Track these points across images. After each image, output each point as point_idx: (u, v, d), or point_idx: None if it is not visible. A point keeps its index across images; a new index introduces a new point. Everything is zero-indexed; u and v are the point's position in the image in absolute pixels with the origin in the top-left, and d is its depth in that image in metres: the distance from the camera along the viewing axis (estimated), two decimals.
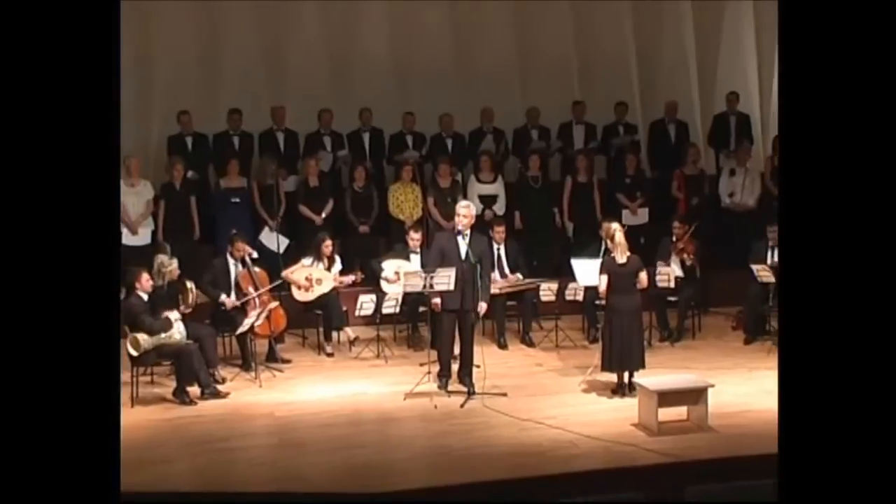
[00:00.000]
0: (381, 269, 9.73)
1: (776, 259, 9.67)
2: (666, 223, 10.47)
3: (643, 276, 8.20)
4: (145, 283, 8.18)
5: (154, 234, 10.62)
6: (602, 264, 8.22)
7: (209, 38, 12.18)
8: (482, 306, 8.26)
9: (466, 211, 8.22)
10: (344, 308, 9.71)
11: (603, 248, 9.50)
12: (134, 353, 8.03)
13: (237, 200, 10.81)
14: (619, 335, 8.00)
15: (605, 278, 8.07)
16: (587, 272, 8.70)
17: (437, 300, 8.07)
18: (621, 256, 8.05)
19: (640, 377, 7.86)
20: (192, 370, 8.11)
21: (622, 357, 8.00)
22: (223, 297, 9.01)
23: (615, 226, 8.23)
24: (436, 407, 7.92)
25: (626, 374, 8.03)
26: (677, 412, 7.31)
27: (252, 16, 12.18)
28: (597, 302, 9.52)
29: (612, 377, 8.17)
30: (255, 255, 9.45)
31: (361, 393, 8.43)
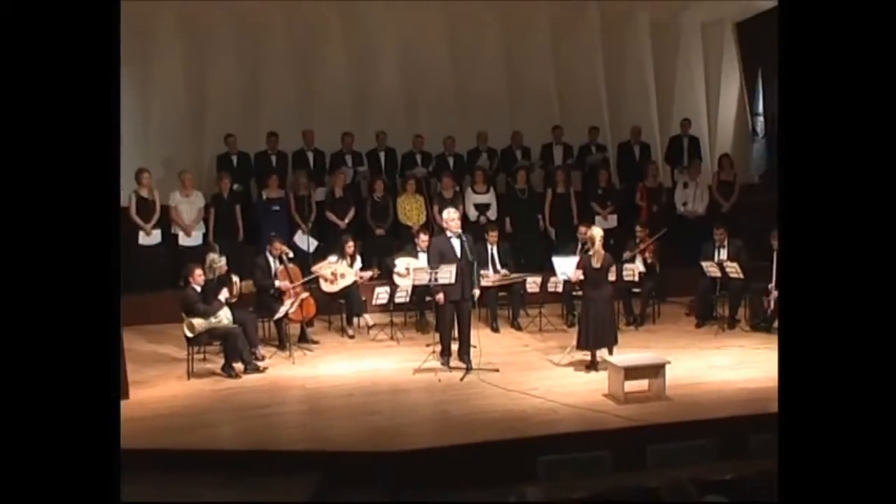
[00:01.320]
0: (394, 266, 9.73)
1: (722, 257, 9.69)
2: (631, 227, 10.51)
3: (613, 269, 8.25)
4: (198, 277, 8.18)
5: (205, 236, 10.64)
6: (580, 260, 8.25)
7: (251, 74, 12.20)
8: (476, 293, 8.26)
9: (454, 216, 8.25)
10: (363, 298, 9.73)
11: (579, 247, 9.54)
12: (189, 334, 8.07)
13: (277, 208, 10.81)
14: (594, 320, 8.01)
15: (580, 272, 8.10)
16: (565, 267, 8.70)
17: (441, 295, 8.03)
18: (597, 262, 8.06)
19: (607, 356, 7.87)
20: (237, 349, 8.13)
21: (596, 338, 8.02)
22: (277, 282, 9.07)
23: (598, 233, 8.18)
24: (439, 380, 7.93)
25: (598, 353, 8.04)
26: (640, 384, 7.32)
27: (287, 56, 12.22)
28: (573, 293, 9.55)
29: (587, 355, 8.17)
30: (291, 254, 9.47)
31: (377, 368, 8.43)
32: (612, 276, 8.23)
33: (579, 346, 8.15)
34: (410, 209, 11.04)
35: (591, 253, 8.10)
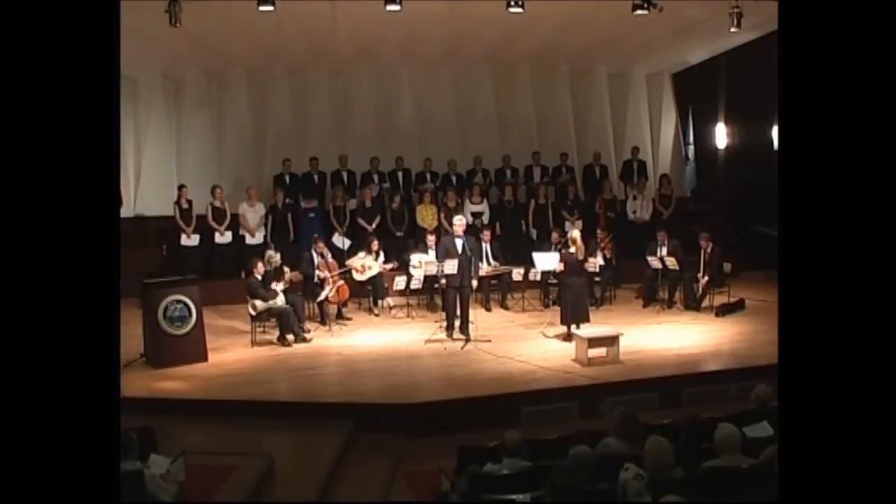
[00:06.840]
0: (409, 260, 9.69)
1: (662, 253, 9.65)
2: (593, 230, 10.47)
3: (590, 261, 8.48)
4: (259, 268, 8.18)
5: (265, 237, 10.61)
6: (562, 255, 8.24)
7: (301, 114, 12.16)
8: (474, 283, 8.23)
9: (460, 222, 8.24)
10: (386, 284, 9.68)
11: (553, 246, 9.50)
12: (253, 312, 8.08)
13: (313, 216, 10.77)
14: (572, 301, 8.02)
15: (562, 264, 8.09)
16: (543, 261, 8.68)
17: (444, 281, 8.04)
18: (580, 255, 8.11)
19: (576, 329, 7.84)
20: (289, 324, 8.12)
21: (573, 315, 8.02)
22: (319, 272, 9.01)
23: (577, 233, 8.32)
24: (445, 349, 7.91)
25: (573, 326, 7.99)
26: (600, 351, 7.30)
27: (329, 101, 12.19)
28: (549, 281, 9.51)
29: (562, 329, 8.13)
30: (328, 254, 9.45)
31: (397, 339, 8.41)
32: (589, 266, 8.29)
33: (562, 322, 8.11)
34: (427, 215, 11.00)
35: (573, 250, 8.09)
